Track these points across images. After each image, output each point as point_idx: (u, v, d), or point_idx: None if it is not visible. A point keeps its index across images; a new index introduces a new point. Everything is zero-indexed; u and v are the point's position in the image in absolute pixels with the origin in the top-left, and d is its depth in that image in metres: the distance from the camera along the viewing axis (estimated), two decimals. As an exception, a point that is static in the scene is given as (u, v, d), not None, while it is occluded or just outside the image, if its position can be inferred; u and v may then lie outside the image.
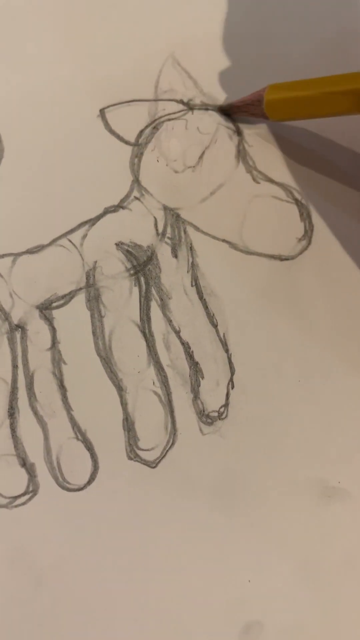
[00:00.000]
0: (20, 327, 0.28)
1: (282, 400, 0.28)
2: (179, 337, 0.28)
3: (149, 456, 0.27)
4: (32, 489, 0.27)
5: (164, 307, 0.28)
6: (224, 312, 0.28)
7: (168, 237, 0.28)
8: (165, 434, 0.27)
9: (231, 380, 0.28)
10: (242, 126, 0.29)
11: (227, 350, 0.28)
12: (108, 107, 0.29)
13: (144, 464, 0.27)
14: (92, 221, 0.28)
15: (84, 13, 0.30)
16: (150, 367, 0.28)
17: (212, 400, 0.28)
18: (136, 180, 0.29)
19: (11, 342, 0.28)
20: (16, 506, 0.27)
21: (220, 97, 0.29)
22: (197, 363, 0.28)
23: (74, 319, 0.28)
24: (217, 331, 0.28)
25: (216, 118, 0.29)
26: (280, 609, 0.27)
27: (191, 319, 0.28)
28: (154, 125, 0.29)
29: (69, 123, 0.29)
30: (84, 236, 0.28)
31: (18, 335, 0.28)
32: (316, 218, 0.29)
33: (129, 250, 0.28)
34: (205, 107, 0.29)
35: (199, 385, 0.28)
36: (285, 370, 0.28)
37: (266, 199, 0.29)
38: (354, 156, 0.29)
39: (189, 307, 0.28)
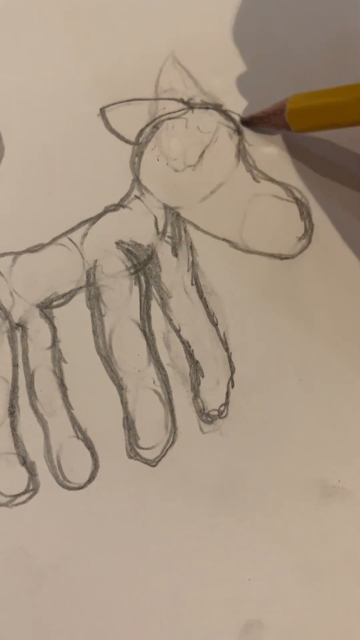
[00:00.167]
0: (21, 325, 0.28)
1: (282, 399, 0.28)
2: (179, 336, 0.28)
3: (149, 455, 0.27)
4: (32, 488, 0.27)
5: (164, 306, 0.28)
6: (224, 311, 0.28)
7: (168, 236, 0.28)
8: (166, 433, 0.27)
9: (231, 379, 0.28)
10: (243, 126, 0.29)
11: (227, 349, 0.28)
12: (108, 106, 0.29)
13: (144, 462, 0.27)
14: (93, 220, 0.28)
15: (85, 12, 0.30)
16: (151, 366, 0.28)
17: (212, 399, 0.28)
18: (136, 179, 0.29)
19: (11, 340, 0.28)
20: (16, 505, 0.27)
21: (221, 96, 0.29)
22: (197, 362, 0.28)
23: (74, 317, 0.28)
24: (217, 330, 0.28)
25: (216, 117, 0.29)
26: (280, 608, 0.27)
27: (191, 317, 0.28)
28: (154, 124, 0.29)
29: (69, 122, 0.29)
30: (84, 235, 0.28)
31: (18, 334, 0.28)
32: (316, 217, 0.29)
33: (129, 249, 0.28)
34: (205, 106, 0.29)
35: (199, 384, 0.28)
36: (286, 369, 0.28)
37: (266, 198, 0.29)
38: (354, 155, 0.29)
39: (189, 306, 0.28)
